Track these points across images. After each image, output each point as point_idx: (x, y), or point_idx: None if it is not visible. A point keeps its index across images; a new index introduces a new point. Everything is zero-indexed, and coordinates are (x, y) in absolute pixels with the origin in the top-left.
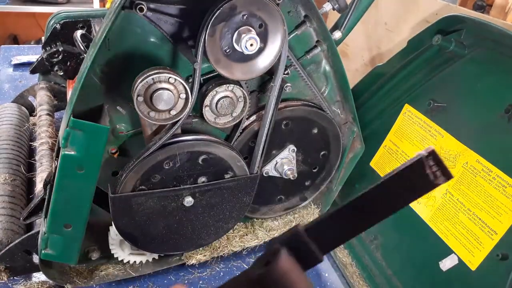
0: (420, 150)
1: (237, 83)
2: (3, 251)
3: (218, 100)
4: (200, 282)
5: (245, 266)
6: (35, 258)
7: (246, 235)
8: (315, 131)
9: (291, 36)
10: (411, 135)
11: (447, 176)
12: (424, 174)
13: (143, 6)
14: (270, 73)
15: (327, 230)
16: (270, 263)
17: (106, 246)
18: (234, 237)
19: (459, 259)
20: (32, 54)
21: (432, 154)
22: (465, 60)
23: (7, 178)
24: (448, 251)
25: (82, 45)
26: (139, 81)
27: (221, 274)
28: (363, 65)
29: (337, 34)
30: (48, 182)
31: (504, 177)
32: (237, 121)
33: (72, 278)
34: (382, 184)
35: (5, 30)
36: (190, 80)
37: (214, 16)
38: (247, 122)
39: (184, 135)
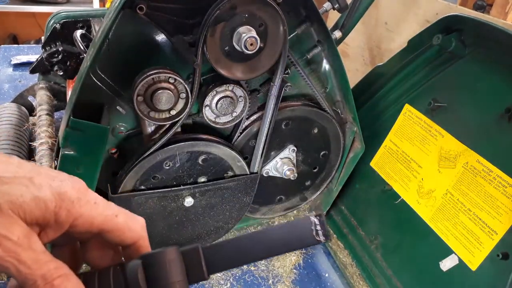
0: (421, 150)
1: (237, 83)
2: None
3: (218, 100)
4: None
5: (244, 266)
6: None
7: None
8: (315, 131)
9: (291, 35)
10: (412, 135)
11: (326, 236)
12: (309, 229)
13: (143, 6)
14: (270, 73)
15: (220, 254)
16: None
17: None
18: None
19: (460, 259)
20: (32, 54)
21: (320, 216)
22: (465, 60)
23: None
24: (448, 251)
25: (82, 45)
26: (139, 81)
27: (221, 274)
28: (363, 64)
29: (338, 34)
30: None
31: (504, 177)
32: (237, 121)
33: None
34: (275, 228)
35: (4, 30)
36: (190, 80)
37: (214, 16)
38: (247, 122)
39: (184, 135)
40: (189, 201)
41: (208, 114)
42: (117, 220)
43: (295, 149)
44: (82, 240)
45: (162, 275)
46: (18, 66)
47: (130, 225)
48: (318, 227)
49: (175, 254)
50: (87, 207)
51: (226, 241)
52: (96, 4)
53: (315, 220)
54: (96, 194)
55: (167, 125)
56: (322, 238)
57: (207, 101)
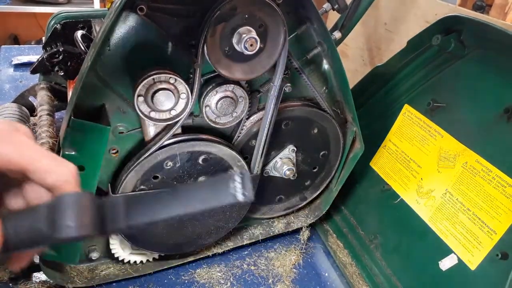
0: (420, 150)
1: (237, 83)
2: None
3: (219, 100)
4: (201, 282)
5: (245, 265)
6: (36, 258)
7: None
8: (315, 131)
9: (291, 36)
10: (411, 135)
11: (245, 196)
12: (228, 186)
13: (143, 7)
14: (270, 73)
15: (140, 206)
16: None
17: (107, 245)
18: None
19: (459, 259)
20: (33, 54)
21: (242, 174)
22: (465, 60)
23: None
24: (447, 251)
25: (83, 46)
26: (139, 81)
27: (221, 273)
28: (362, 65)
29: (337, 34)
30: None
31: (504, 177)
32: (237, 121)
33: (73, 278)
34: (196, 184)
35: (5, 30)
36: (191, 80)
37: (215, 16)
38: (247, 122)
39: (184, 135)
40: None
41: (209, 114)
42: (41, 162)
43: (295, 149)
44: (14, 182)
45: (70, 216)
46: (19, 66)
47: (55, 169)
48: (238, 185)
49: (89, 198)
50: (9, 146)
51: (147, 193)
52: (96, 5)
53: (237, 177)
54: (25, 138)
55: (168, 125)
56: (241, 197)
57: (207, 101)
